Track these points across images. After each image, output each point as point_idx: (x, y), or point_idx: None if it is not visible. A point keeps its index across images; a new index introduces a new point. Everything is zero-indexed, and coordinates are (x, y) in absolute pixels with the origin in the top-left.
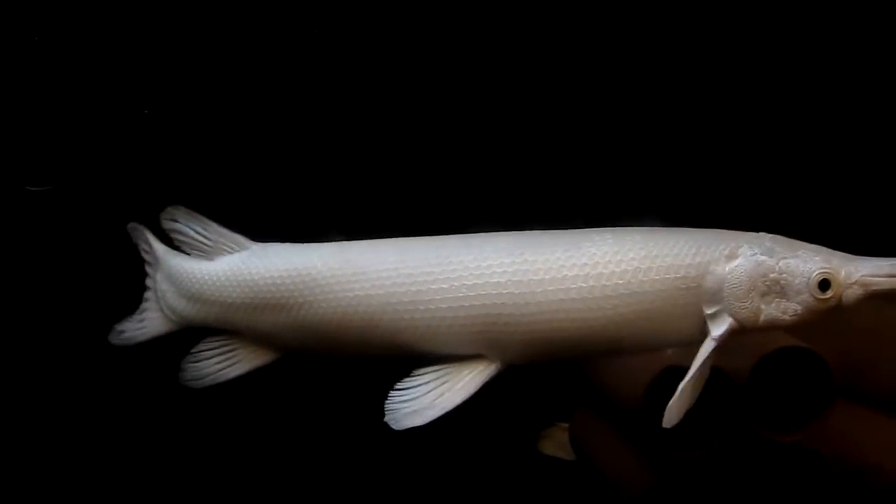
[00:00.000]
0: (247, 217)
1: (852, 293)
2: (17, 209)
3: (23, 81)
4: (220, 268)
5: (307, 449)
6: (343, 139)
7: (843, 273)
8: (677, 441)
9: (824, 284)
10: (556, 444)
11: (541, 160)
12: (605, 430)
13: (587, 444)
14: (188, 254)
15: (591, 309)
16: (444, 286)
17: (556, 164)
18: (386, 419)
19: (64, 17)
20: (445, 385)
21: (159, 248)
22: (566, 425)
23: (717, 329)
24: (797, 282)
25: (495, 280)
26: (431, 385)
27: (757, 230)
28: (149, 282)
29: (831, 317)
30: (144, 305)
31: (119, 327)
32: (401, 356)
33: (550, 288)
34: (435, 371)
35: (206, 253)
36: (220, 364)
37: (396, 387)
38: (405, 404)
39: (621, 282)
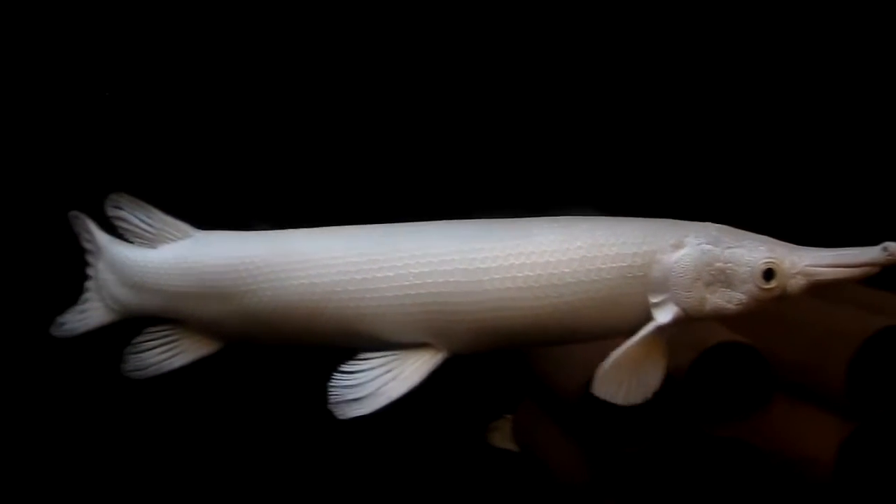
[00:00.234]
0: (192, 205)
1: (796, 283)
2: None
3: None
4: (163, 256)
5: (254, 440)
6: (287, 127)
7: (786, 263)
8: (618, 435)
9: (769, 274)
10: (505, 436)
11: (486, 150)
12: (548, 422)
13: (529, 436)
14: (132, 242)
15: (538, 297)
16: (390, 274)
17: (502, 154)
18: (329, 406)
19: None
20: (391, 373)
21: (101, 236)
22: None
23: (663, 318)
24: (742, 271)
25: (442, 268)
26: (377, 372)
27: (703, 220)
28: (90, 271)
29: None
30: (86, 296)
31: (60, 319)
32: (347, 345)
33: (497, 276)
34: (381, 358)
35: (150, 241)
36: (162, 354)
37: (340, 369)
38: (349, 390)
39: (568, 270)
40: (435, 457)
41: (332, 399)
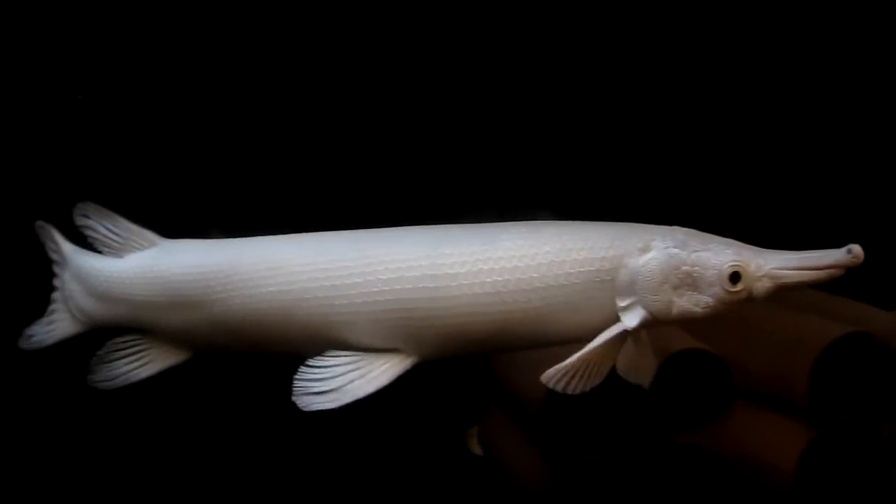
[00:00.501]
0: (158, 213)
1: (762, 286)
2: None
3: None
4: (130, 265)
5: (227, 448)
6: (254, 134)
7: (753, 266)
8: (579, 441)
9: (735, 277)
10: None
11: (454, 156)
12: (511, 428)
13: (493, 441)
14: (101, 252)
15: (506, 303)
16: (358, 280)
17: (470, 159)
18: (294, 398)
19: None
20: (358, 372)
21: (66, 246)
22: None
23: (630, 321)
24: (709, 274)
25: (411, 274)
26: (344, 369)
27: (670, 224)
28: (56, 282)
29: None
30: (52, 307)
31: (28, 331)
32: (317, 352)
33: (466, 282)
34: (350, 356)
35: (116, 250)
36: (130, 364)
37: (308, 363)
38: (314, 383)
39: (536, 275)
40: (410, 462)
41: (297, 390)
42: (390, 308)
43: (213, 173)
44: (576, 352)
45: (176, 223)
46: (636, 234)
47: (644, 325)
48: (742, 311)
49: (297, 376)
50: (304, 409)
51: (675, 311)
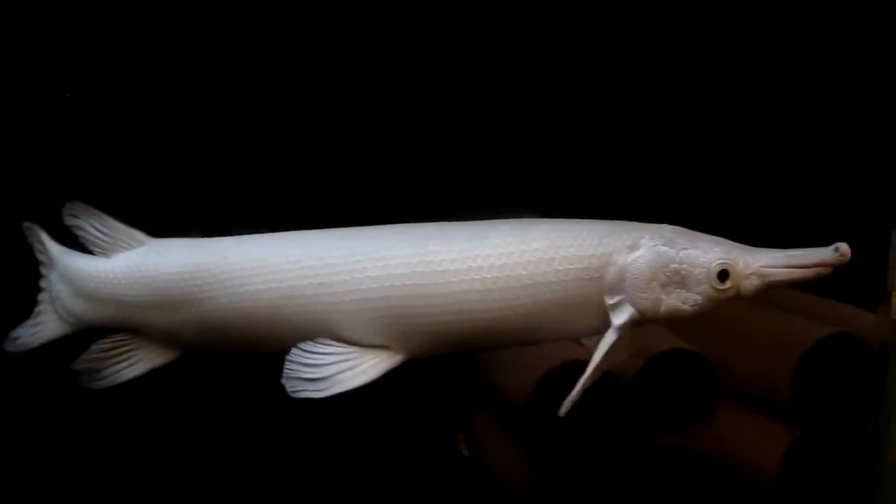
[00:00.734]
0: (147, 213)
1: (750, 284)
2: None
3: None
4: (117, 265)
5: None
6: (241, 134)
7: (741, 264)
8: (563, 441)
9: (723, 275)
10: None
11: (433, 154)
12: (495, 428)
13: (478, 442)
14: (91, 251)
15: (495, 300)
16: (347, 279)
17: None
18: (283, 380)
19: None
20: (347, 363)
21: (53, 247)
22: None
23: (619, 319)
24: (697, 272)
25: (398, 272)
26: (334, 358)
27: (658, 222)
28: (43, 283)
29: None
30: (39, 308)
31: (14, 333)
32: None
33: (454, 279)
34: (341, 347)
35: (105, 250)
36: (118, 365)
37: (301, 346)
38: (305, 368)
39: (525, 273)
40: (397, 463)
41: (287, 373)
42: (378, 306)
43: (202, 172)
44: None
45: (164, 222)
46: (625, 232)
47: (632, 323)
48: (726, 311)
49: (288, 357)
50: (292, 393)
51: (663, 308)
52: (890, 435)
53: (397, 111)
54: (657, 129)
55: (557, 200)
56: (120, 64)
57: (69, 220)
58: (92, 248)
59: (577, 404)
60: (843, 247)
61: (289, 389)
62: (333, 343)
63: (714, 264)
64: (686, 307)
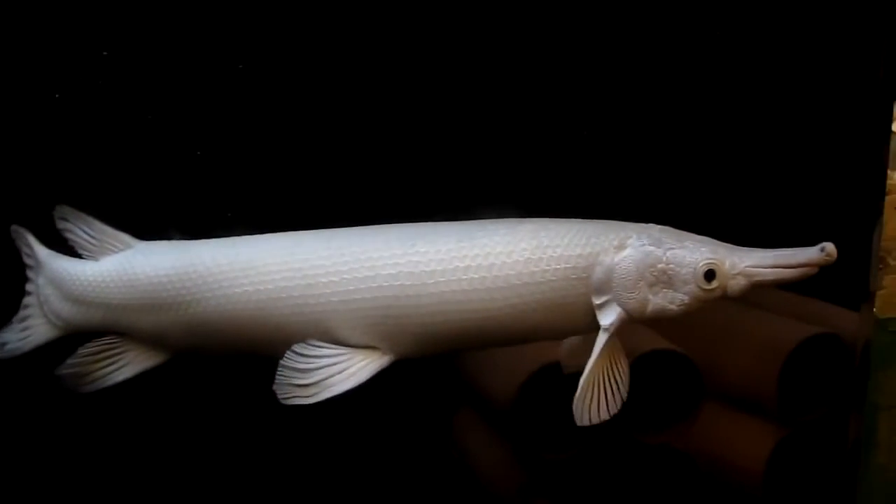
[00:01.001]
0: (134, 216)
1: (736, 283)
2: None
3: None
4: (104, 268)
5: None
6: (227, 136)
7: (727, 264)
8: (548, 442)
9: (710, 275)
10: None
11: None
12: (480, 429)
13: (463, 443)
14: (81, 255)
15: (484, 300)
16: (334, 279)
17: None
18: (275, 386)
19: None
20: (336, 367)
21: (41, 251)
22: None
23: (606, 319)
24: (684, 272)
25: (387, 272)
26: (324, 362)
27: (645, 222)
28: (30, 286)
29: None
30: (26, 312)
31: (1, 339)
32: None
33: (442, 279)
34: (329, 350)
35: (92, 253)
36: (107, 368)
37: (294, 350)
38: (295, 374)
39: (512, 273)
40: (386, 462)
41: (280, 379)
42: (366, 306)
43: (189, 174)
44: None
45: (151, 225)
46: (612, 232)
47: (620, 323)
48: (712, 311)
49: (282, 362)
50: (283, 400)
51: (650, 308)
52: (875, 436)
53: (380, 111)
54: (643, 129)
55: (543, 200)
56: (106, 68)
57: (60, 224)
58: (82, 251)
59: (562, 404)
60: (829, 247)
61: (280, 396)
62: (322, 346)
63: (701, 264)
64: (673, 307)
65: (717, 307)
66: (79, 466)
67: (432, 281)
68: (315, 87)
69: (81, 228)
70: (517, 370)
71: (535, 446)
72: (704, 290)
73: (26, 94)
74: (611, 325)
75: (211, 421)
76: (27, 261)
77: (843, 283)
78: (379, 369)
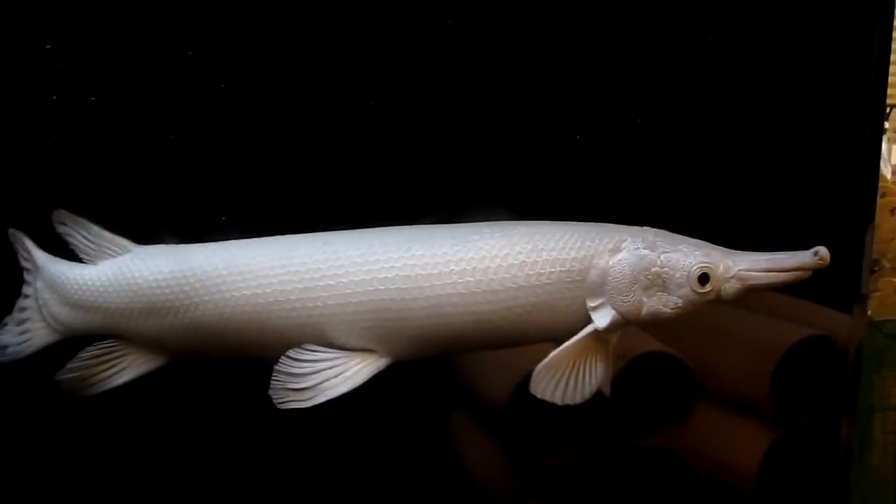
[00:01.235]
0: (134, 220)
1: (730, 287)
2: None
3: None
4: (103, 272)
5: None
6: (223, 139)
7: (721, 267)
8: (542, 444)
9: (704, 278)
10: None
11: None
12: (476, 431)
13: (458, 445)
14: (81, 259)
15: (479, 303)
16: (331, 282)
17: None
18: (271, 391)
19: None
20: (332, 371)
21: (38, 255)
22: None
23: (601, 322)
24: (678, 275)
25: (383, 275)
26: (320, 366)
27: (640, 225)
28: (28, 290)
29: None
30: (25, 316)
31: (1, 344)
32: None
33: (438, 282)
34: (325, 354)
35: (91, 257)
36: (106, 372)
37: (290, 354)
38: (291, 378)
39: (508, 276)
40: (381, 462)
41: (275, 384)
42: (362, 310)
43: (186, 178)
44: (547, 351)
45: (149, 230)
46: (606, 235)
47: (614, 326)
48: (706, 313)
49: (277, 367)
50: (279, 405)
51: (644, 311)
52: (868, 437)
53: (373, 114)
54: (637, 132)
55: (537, 203)
56: (105, 71)
57: (59, 228)
58: (81, 255)
59: (555, 406)
60: (823, 251)
61: (275, 400)
62: (318, 349)
63: (695, 267)
64: (667, 310)
65: (711, 310)
66: (79, 468)
67: (428, 284)
68: (308, 91)
69: (79, 233)
70: (512, 371)
71: (529, 448)
72: (698, 293)
73: (23, 98)
74: (605, 327)
75: (209, 423)
76: (25, 265)
77: (836, 285)
78: (375, 372)
